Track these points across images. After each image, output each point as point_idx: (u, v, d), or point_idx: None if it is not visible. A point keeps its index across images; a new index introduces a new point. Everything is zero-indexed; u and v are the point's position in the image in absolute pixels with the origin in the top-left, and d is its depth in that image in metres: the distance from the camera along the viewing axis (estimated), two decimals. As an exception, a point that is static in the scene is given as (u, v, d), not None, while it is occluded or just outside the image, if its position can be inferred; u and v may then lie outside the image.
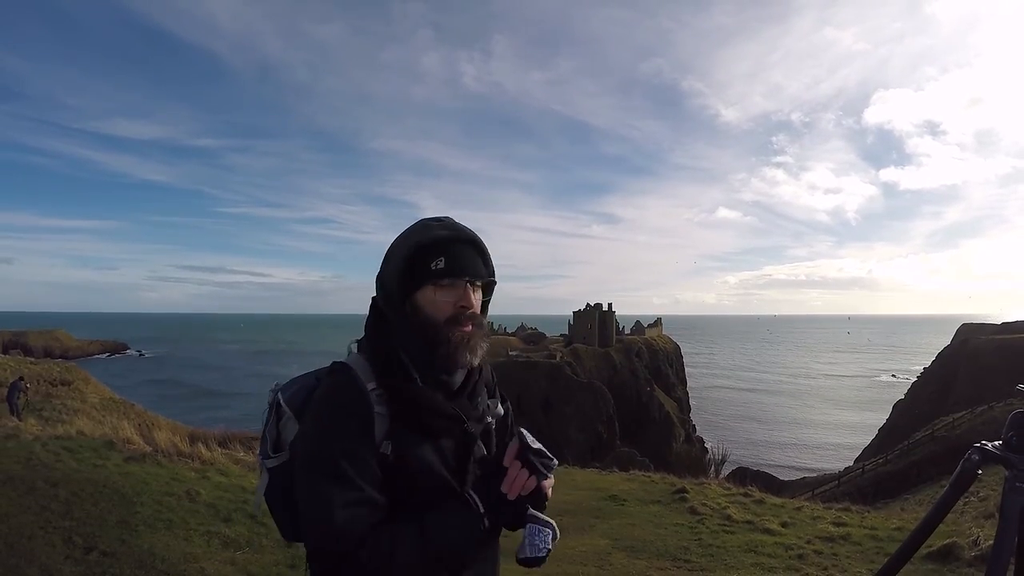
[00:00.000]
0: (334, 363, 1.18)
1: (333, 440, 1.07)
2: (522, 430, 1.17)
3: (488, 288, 1.25)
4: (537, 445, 1.14)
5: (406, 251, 1.16)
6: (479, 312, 1.20)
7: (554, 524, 1.14)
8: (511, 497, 1.11)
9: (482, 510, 1.10)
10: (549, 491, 1.15)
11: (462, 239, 1.18)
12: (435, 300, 1.15)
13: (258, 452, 1.26)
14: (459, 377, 1.21)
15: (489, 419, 1.27)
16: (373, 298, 1.24)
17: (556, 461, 1.16)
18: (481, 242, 1.22)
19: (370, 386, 1.11)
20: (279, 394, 1.22)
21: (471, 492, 1.12)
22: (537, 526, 1.14)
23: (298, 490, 1.09)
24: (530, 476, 1.11)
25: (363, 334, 1.23)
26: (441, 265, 1.14)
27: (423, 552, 1.05)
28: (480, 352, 1.19)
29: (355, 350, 1.22)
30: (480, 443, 1.22)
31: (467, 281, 1.16)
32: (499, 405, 1.33)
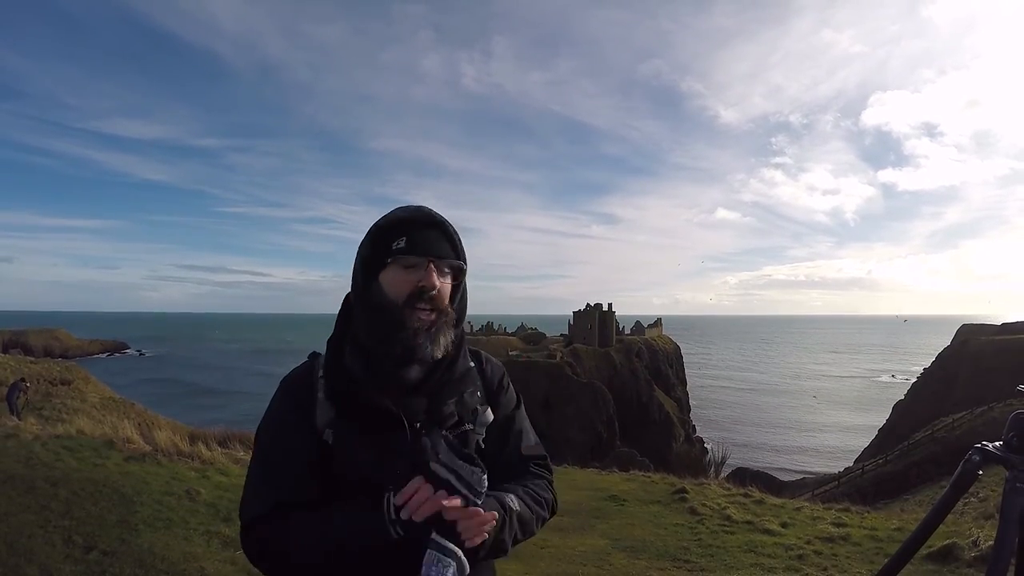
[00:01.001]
0: (313, 352, 1.21)
1: (270, 420, 1.15)
2: (445, 433, 1.06)
3: (458, 274, 1.17)
4: (466, 453, 0.96)
5: (370, 233, 1.15)
6: (444, 298, 1.14)
7: (460, 555, 0.93)
8: (410, 516, 0.93)
9: (393, 517, 0.95)
10: (465, 521, 0.93)
11: (425, 220, 1.14)
12: (395, 279, 1.10)
13: None
14: (414, 373, 1.11)
15: (468, 425, 1.16)
16: (348, 293, 1.22)
17: (484, 483, 0.95)
18: (449, 226, 1.16)
19: (321, 373, 1.14)
20: None
21: (390, 495, 0.97)
22: (437, 553, 0.93)
23: None
24: (435, 493, 0.93)
25: None
26: (402, 244, 1.10)
27: (321, 541, 1.00)
28: (442, 343, 1.12)
29: None
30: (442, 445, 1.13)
31: (429, 260, 1.11)
32: (487, 411, 1.21)
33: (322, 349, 1.22)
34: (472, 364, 1.25)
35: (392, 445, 1.07)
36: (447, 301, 1.15)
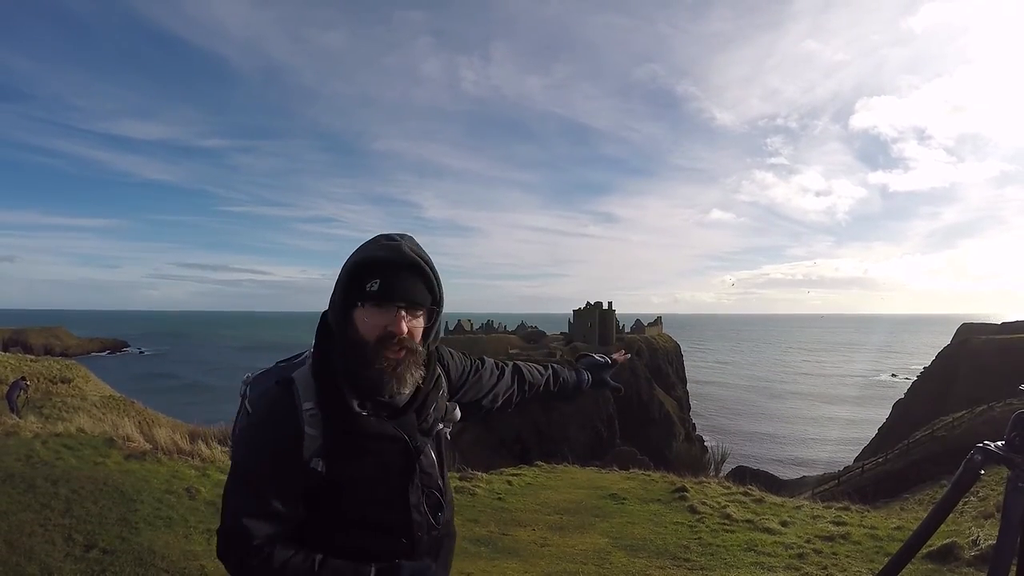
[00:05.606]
0: (285, 377, 1.15)
1: (252, 451, 1.13)
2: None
3: (432, 314, 1.19)
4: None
5: (348, 268, 1.13)
6: (416, 338, 1.15)
7: None
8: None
9: None
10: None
11: (403, 263, 1.12)
12: (367, 320, 1.12)
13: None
14: (406, 393, 1.17)
15: (441, 426, 1.25)
16: (325, 311, 1.21)
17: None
18: (426, 267, 1.16)
19: (307, 405, 1.11)
20: (248, 389, 1.26)
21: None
22: None
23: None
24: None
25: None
26: (375, 288, 1.11)
27: None
28: (410, 381, 1.15)
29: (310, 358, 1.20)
30: (429, 452, 1.22)
31: (399, 307, 1.12)
32: (455, 410, 1.29)
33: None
34: (439, 372, 1.29)
35: (399, 460, 1.16)
36: (419, 339, 1.17)
